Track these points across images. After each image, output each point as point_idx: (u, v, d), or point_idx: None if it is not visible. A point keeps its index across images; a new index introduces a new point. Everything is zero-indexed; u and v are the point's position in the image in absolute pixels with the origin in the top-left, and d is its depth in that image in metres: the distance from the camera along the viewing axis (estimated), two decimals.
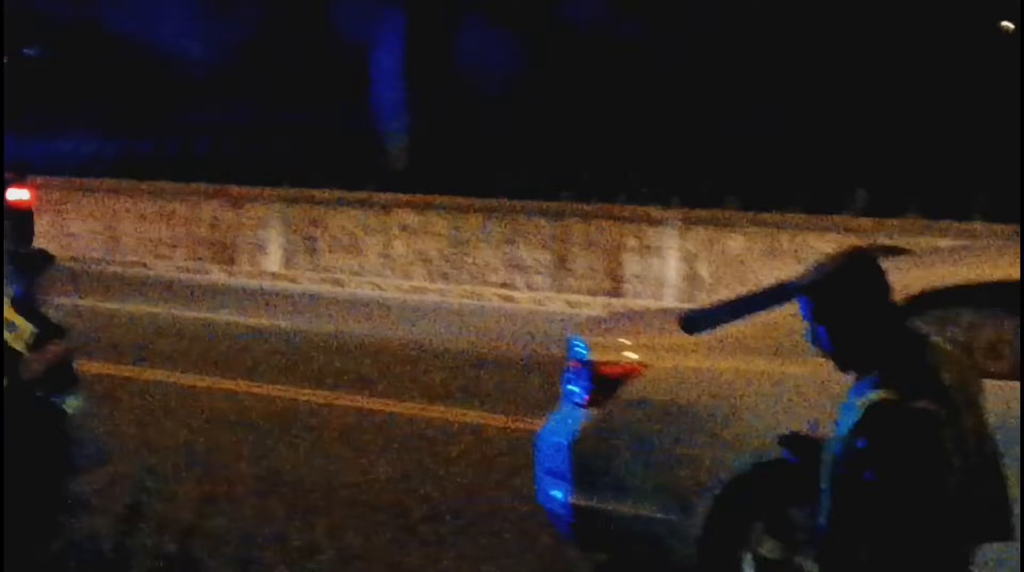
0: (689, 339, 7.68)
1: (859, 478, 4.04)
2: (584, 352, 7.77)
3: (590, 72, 29.22)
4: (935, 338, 4.35)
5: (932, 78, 25.86)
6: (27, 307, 7.26)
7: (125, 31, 33.03)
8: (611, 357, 7.66)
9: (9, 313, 7.24)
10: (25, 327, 7.20)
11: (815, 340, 4.31)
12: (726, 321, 7.70)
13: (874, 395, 4.06)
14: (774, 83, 27.06)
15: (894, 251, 8.21)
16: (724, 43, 27.66)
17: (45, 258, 7.44)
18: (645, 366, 7.53)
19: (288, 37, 32.19)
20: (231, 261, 25.62)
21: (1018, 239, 13.58)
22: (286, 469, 10.85)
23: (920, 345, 4.27)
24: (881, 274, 4.34)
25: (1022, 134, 20.82)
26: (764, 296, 8.03)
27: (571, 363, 7.95)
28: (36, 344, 7.21)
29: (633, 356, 7.62)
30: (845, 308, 4.22)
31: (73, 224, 27.31)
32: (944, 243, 18.73)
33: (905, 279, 7.21)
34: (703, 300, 20.59)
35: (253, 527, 9.27)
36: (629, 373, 7.54)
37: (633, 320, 8.98)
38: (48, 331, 7.28)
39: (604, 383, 7.59)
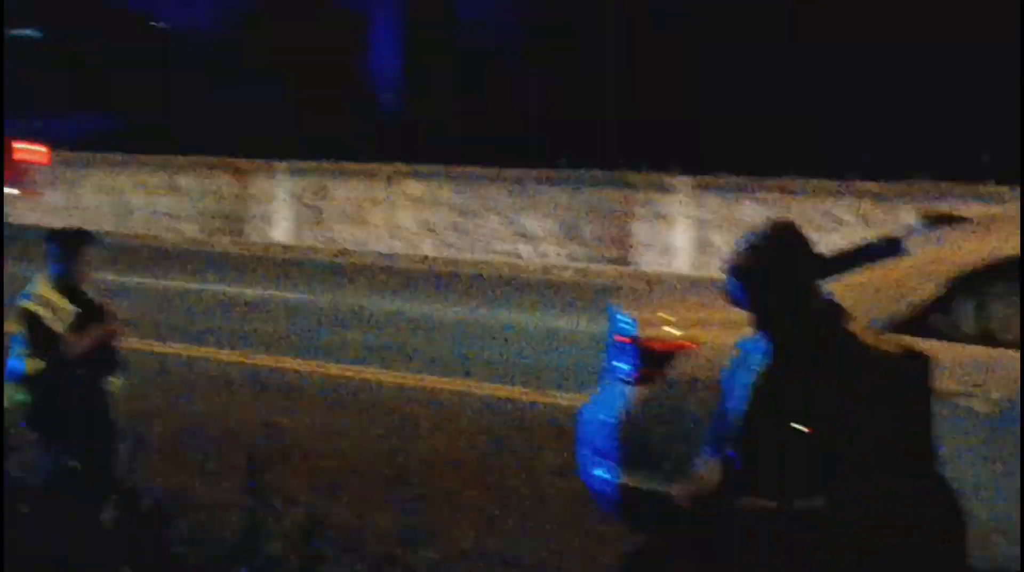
0: (738, 313, 7.44)
1: None
2: (631, 328, 7.54)
3: (591, 37, 28.96)
4: (850, 323, 4.51)
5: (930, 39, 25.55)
6: (67, 287, 7.07)
7: (123, 6, 32.76)
8: (660, 333, 7.42)
9: (48, 293, 7.04)
10: (65, 307, 7.01)
11: (730, 291, 4.65)
12: None
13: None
14: (776, 52, 26.80)
15: (956, 220, 8.00)
16: (726, 11, 27.41)
17: (84, 236, 7.23)
18: (696, 343, 7.30)
19: (287, 8, 31.91)
20: (240, 233, 25.39)
21: None
22: (302, 439, 10.64)
23: (819, 323, 4.49)
24: (796, 246, 4.53)
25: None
26: None
27: (616, 338, 7.72)
28: (78, 325, 7.01)
29: (683, 332, 7.39)
30: (755, 271, 4.54)
31: (85, 197, 27.09)
32: (954, 203, 18.57)
33: (968, 248, 7.04)
34: (716, 268, 20.41)
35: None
36: (679, 349, 7.31)
37: (679, 294, 8.76)
38: (90, 311, 7.10)
39: (653, 360, 7.35)
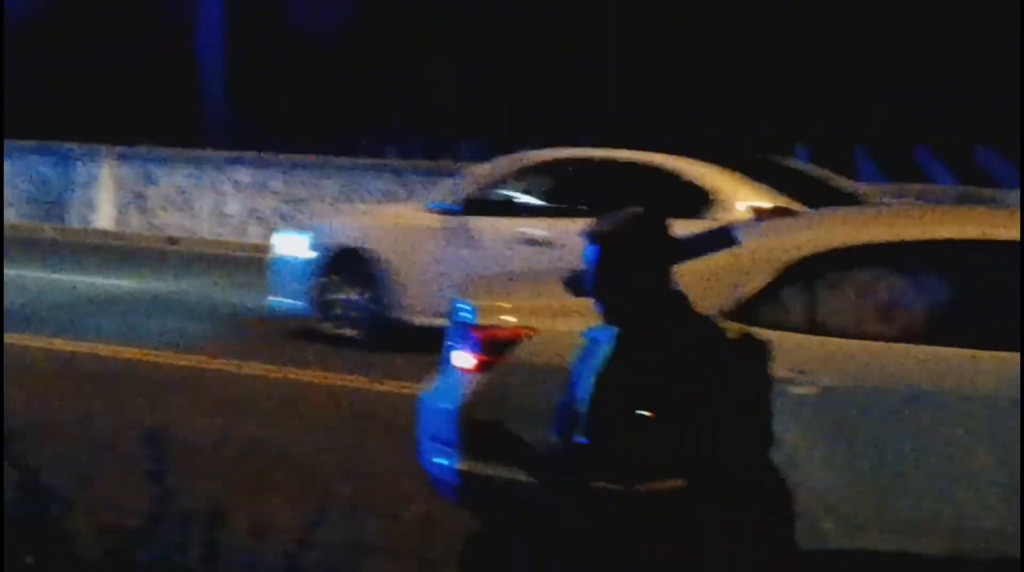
0: (576, 301, 7.64)
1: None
2: (470, 316, 7.70)
3: (423, 26, 29.09)
4: (695, 310, 4.57)
5: None
6: None
7: None
8: (499, 321, 7.61)
9: None
10: None
11: (585, 277, 4.55)
12: None
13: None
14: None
15: (786, 212, 8.29)
16: None
17: None
18: (535, 330, 7.49)
19: None
20: (61, 218, 25.10)
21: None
22: (128, 427, 10.59)
23: (667, 310, 4.53)
24: (658, 232, 4.53)
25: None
26: None
27: (456, 326, 7.88)
28: None
29: (522, 320, 7.57)
30: (620, 256, 4.47)
31: None
32: None
33: (798, 239, 7.33)
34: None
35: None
36: (518, 337, 7.50)
37: (517, 282, 8.94)
38: None
39: (493, 348, 7.53)
